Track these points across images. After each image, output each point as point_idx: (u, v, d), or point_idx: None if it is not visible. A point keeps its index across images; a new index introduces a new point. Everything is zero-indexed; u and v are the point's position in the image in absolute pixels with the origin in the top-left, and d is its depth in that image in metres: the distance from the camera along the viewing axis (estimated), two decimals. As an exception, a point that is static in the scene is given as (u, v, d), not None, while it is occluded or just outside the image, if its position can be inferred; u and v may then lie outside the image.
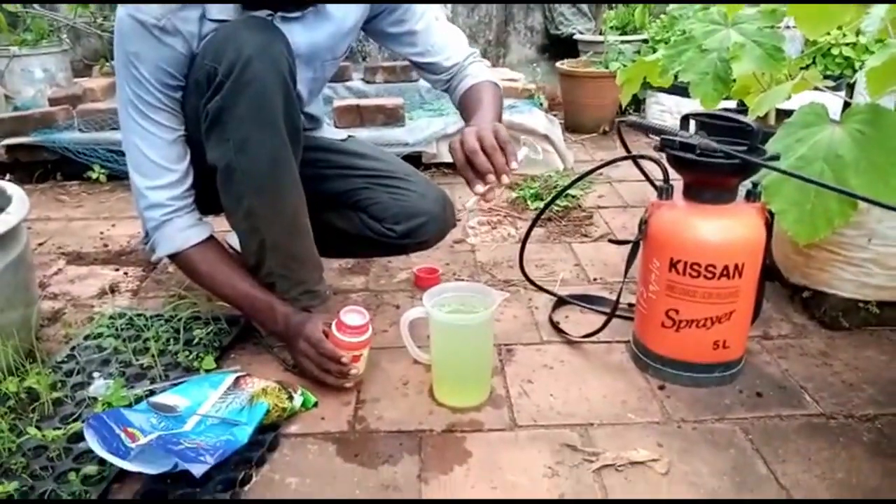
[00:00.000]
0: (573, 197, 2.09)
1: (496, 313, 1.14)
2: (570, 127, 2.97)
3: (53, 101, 2.52)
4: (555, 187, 2.15)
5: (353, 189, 1.36)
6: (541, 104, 2.68)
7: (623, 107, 2.80)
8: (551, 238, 1.85)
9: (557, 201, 2.01)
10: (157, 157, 1.14)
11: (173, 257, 1.22)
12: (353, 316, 1.11)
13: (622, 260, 1.22)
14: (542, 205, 1.84)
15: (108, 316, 1.38)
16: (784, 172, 1.07)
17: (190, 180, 1.19)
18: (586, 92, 2.91)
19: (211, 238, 1.22)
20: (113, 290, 1.57)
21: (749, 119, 1.10)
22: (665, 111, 2.75)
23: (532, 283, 1.49)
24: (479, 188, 1.02)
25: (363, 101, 2.46)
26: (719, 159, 1.06)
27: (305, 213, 1.21)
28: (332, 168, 1.37)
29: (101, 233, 1.94)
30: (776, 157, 1.09)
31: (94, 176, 2.31)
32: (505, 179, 1.02)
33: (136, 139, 1.14)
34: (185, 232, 1.19)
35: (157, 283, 1.60)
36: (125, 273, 1.67)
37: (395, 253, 1.52)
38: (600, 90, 2.85)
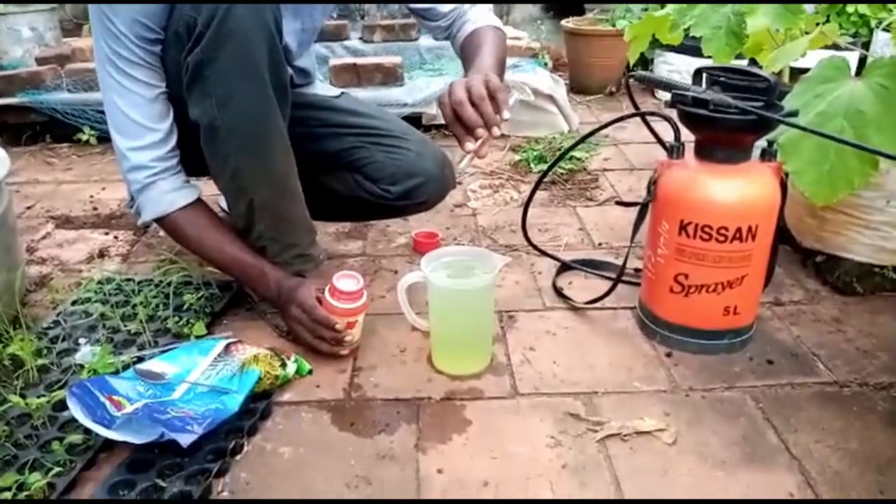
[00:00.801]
0: (578, 159, 2.03)
1: (497, 279, 1.10)
2: (576, 87, 2.89)
3: (41, 61, 2.45)
4: (559, 149, 2.09)
5: (346, 148, 1.31)
6: (545, 64, 2.61)
7: (631, 66, 2.71)
8: (555, 202, 1.79)
9: (562, 164, 1.96)
10: (137, 116, 1.08)
11: (160, 221, 1.17)
12: (346, 281, 1.07)
13: (628, 224, 1.18)
14: (545, 167, 1.79)
15: (96, 281, 1.34)
16: (802, 129, 1.01)
17: (174, 140, 1.13)
18: (592, 51, 2.81)
19: (199, 201, 1.17)
20: (102, 254, 1.53)
21: (766, 72, 1.04)
22: (674, 71, 2.67)
23: (535, 247, 1.45)
24: (470, 145, 0.95)
25: (360, 60, 2.38)
26: (734, 115, 1.00)
27: (295, 173, 1.15)
28: (325, 126, 1.31)
29: (91, 196, 1.89)
30: (794, 114, 1.03)
31: (84, 138, 2.25)
32: (496, 131, 0.94)
33: (115, 97, 1.08)
34: (170, 195, 1.14)
35: (148, 248, 1.56)
36: (115, 237, 1.62)
37: (392, 215, 1.47)
38: (607, 49, 2.76)
